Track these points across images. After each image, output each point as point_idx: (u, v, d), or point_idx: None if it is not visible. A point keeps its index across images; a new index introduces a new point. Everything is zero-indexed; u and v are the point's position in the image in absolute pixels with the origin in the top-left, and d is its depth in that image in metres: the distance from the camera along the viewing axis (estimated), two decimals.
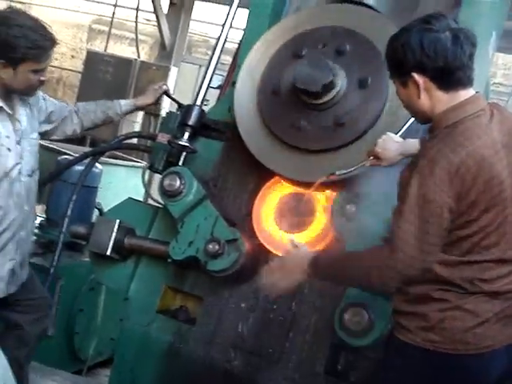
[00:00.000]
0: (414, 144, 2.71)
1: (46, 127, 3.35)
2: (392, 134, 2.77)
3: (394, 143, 2.74)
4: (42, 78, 3.09)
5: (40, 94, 3.31)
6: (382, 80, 2.93)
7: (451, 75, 2.27)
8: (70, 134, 3.49)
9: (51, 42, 3.05)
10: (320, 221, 3.06)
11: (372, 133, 2.92)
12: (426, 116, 2.36)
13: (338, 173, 2.85)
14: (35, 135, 3.24)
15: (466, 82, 2.30)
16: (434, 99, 2.30)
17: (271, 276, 2.62)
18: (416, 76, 2.27)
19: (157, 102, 3.64)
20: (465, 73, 2.28)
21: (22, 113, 3.16)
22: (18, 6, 14.13)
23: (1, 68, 2.98)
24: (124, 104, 3.56)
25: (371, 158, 2.77)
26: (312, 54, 3.05)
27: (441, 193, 2.18)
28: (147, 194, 4.00)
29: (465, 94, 2.30)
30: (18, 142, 3.11)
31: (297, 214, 3.14)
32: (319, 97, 2.99)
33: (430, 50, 2.23)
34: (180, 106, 3.53)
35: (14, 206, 3.10)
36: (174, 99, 3.68)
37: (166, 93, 3.63)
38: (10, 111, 3.08)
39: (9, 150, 3.05)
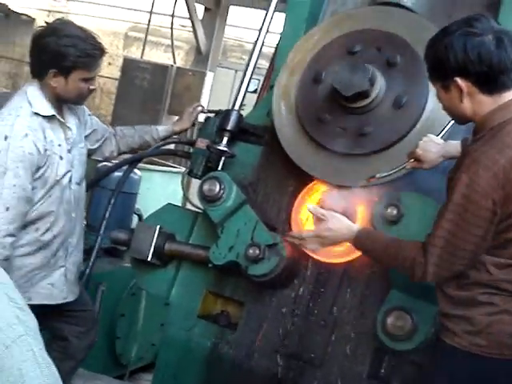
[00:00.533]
0: (455, 146, 2.68)
1: (89, 146, 3.41)
2: (433, 136, 2.74)
3: (435, 145, 2.71)
4: (92, 87, 3.17)
5: (85, 108, 3.38)
6: (419, 100, 2.93)
7: (495, 79, 2.23)
8: (107, 156, 3.60)
9: (100, 50, 3.13)
10: (361, 224, 3.03)
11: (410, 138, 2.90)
12: (467, 119, 2.33)
13: (378, 176, 2.83)
14: (83, 144, 3.30)
15: (510, 85, 2.26)
16: (477, 103, 2.26)
17: (316, 236, 2.66)
18: (459, 80, 2.23)
19: (193, 125, 3.69)
20: (509, 76, 2.24)
21: (71, 122, 3.22)
22: (57, 15, 14.36)
23: (52, 77, 3.05)
24: (161, 130, 3.63)
25: (412, 160, 2.75)
26: (363, 53, 3.05)
27: (484, 195, 2.15)
28: (186, 199, 4.01)
29: (509, 95, 2.26)
30: (69, 151, 3.17)
31: None
32: (351, 101, 2.98)
33: (474, 55, 2.20)
34: (217, 113, 3.54)
35: (64, 213, 3.17)
36: (210, 112, 3.69)
37: (202, 111, 3.68)
38: (61, 119, 3.14)
39: (61, 158, 3.10)
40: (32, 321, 0.91)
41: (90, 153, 3.47)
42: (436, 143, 2.71)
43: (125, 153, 3.67)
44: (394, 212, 2.82)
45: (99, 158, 3.62)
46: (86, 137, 3.37)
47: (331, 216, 2.64)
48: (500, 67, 2.21)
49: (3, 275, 0.93)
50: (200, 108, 3.70)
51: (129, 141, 3.57)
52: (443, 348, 2.33)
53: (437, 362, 2.38)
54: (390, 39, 3.07)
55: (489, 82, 2.24)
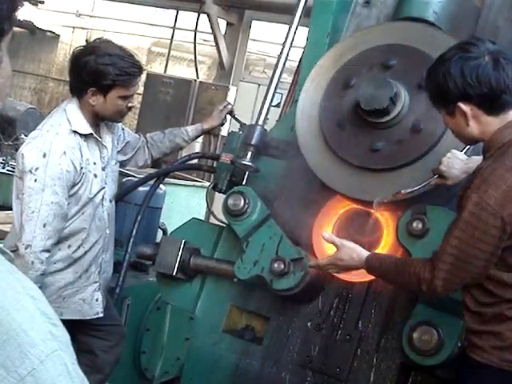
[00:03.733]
0: (478, 161, 2.67)
1: (122, 158, 3.44)
2: (457, 152, 2.72)
3: (458, 161, 2.70)
4: (130, 105, 3.21)
5: (119, 123, 3.40)
6: (439, 127, 2.87)
7: (497, 99, 2.25)
8: (141, 165, 3.60)
9: (138, 68, 3.16)
10: (386, 239, 3.02)
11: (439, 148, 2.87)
12: (476, 140, 2.37)
13: (403, 191, 2.81)
14: (115, 162, 3.33)
15: None
16: (483, 124, 2.29)
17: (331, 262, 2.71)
18: (462, 105, 2.26)
19: (222, 123, 3.68)
20: (511, 94, 2.25)
21: (107, 140, 3.26)
22: (81, 31, 14.48)
23: (91, 95, 3.09)
24: (191, 130, 3.62)
25: (436, 176, 2.74)
26: (363, 80, 3.01)
27: (493, 213, 2.16)
28: (210, 214, 4.03)
29: None
30: (103, 169, 3.20)
31: (360, 234, 3.12)
32: (387, 113, 2.94)
33: (473, 79, 2.22)
34: (242, 125, 3.55)
35: (96, 230, 3.20)
36: (237, 119, 3.70)
37: (231, 112, 3.67)
38: (98, 138, 3.18)
39: (95, 176, 3.14)
40: (64, 336, 0.93)
41: (124, 164, 3.50)
42: (460, 159, 2.70)
43: (159, 159, 3.68)
44: (420, 226, 2.82)
45: (133, 168, 3.64)
46: (119, 151, 3.40)
47: (342, 245, 2.67)
48: (500, 87, 2.23)
49: (35, 290, 0.94)
50: (230, 107, 3.68)
51: (160, 146, 3.58)
52: (471, 364, 2.32)
53: (464, 378, 2.37)
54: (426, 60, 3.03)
55: (492, 103, 2.26)
